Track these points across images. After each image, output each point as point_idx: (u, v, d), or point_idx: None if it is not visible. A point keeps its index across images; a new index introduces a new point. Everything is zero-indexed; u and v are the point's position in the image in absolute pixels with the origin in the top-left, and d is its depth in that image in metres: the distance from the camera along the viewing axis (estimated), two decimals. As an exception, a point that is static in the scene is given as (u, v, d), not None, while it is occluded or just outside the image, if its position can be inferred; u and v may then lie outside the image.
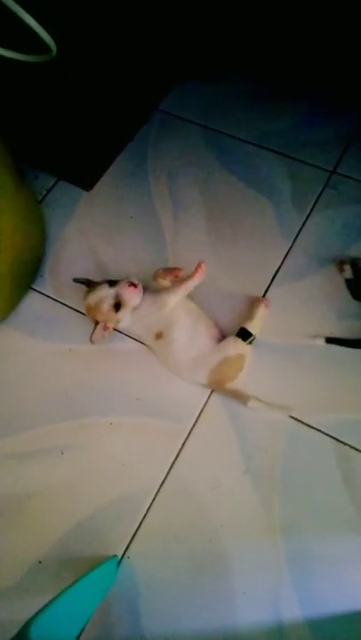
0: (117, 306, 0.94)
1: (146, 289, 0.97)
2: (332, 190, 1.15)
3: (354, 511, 0.87)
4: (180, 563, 0.86)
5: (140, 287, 0.95)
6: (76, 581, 0.71)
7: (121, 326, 0.98)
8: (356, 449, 0.91)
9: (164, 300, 0.95)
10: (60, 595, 0.65)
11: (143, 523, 0.89)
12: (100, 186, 1.22)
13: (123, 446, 0.94)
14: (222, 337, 0.98)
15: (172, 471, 0.92)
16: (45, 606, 0.62)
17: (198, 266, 0.96)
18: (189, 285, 0.95)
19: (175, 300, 0.95)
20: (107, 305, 0.94)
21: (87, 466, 0.93)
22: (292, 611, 0.82)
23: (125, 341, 1.03)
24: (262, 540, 0.86)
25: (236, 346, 0.94)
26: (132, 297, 0.94)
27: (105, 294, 0.94)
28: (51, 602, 0.63)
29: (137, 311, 0.96)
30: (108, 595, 0.83)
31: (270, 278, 1.07)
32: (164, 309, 0.95)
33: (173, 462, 0.93)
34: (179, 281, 0.97)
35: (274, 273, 1.08)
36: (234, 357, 0.93)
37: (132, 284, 0.94)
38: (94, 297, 0.95)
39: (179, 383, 0.98)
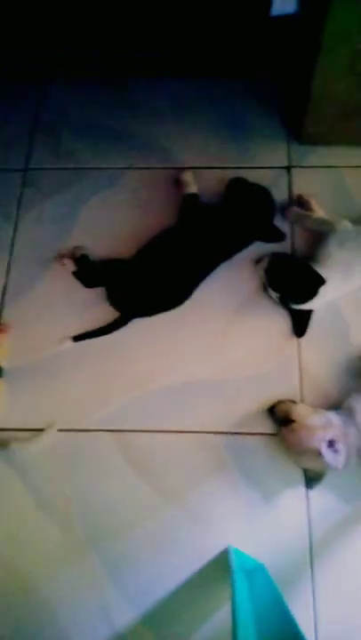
0: None
1: None
2: (31, 188, 1.10)
3: (150, 490, 0.87)
4: (1, 630, 0.80)
5: None
6: None
7: None
8: (133, 430, 0.91)
9: None
10: None
11: None
12: None
13: None
14: None
15: None
16: None
17: None
18: None
19: None
20: None
21: None
22: (124, 613, 0.81)
23: None
24: (74, 563, 0.84)
25: (-27, 388, 0.87)
26: None
27: None
28: None
29: None
30: None
31: (0, 299, 1.01)
32: None
33: None
34: None
35: (1, 292, 1.01)
36: (-24, 401, 0.86)
37: None
38: None
39: None
